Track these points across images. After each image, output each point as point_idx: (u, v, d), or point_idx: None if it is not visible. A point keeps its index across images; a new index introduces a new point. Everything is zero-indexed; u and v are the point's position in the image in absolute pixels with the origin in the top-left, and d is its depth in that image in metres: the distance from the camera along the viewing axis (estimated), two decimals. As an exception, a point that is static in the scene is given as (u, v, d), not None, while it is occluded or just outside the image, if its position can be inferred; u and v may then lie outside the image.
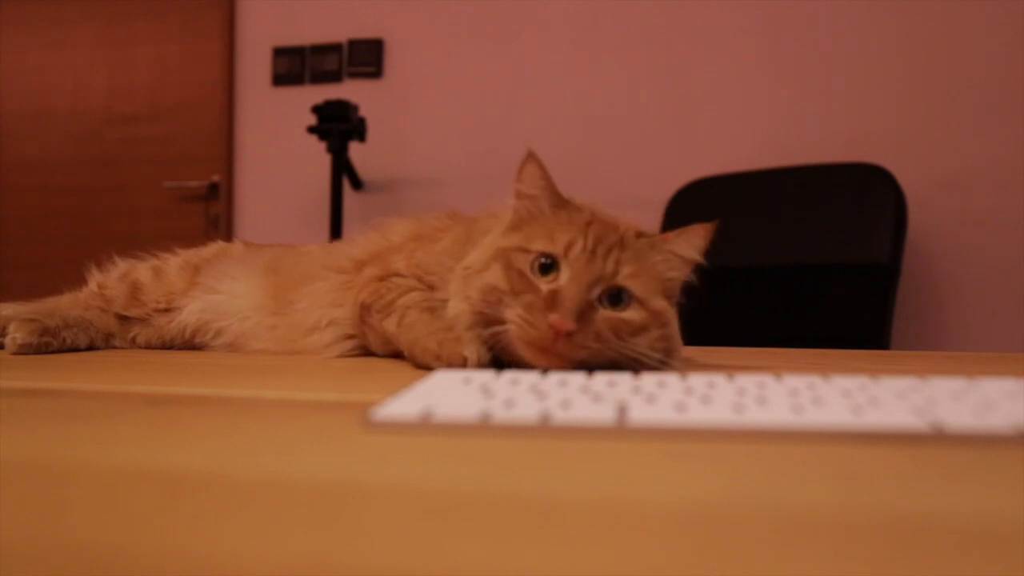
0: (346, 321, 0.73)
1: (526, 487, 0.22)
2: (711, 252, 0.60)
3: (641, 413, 0.31)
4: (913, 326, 1.91)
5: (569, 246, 0.56)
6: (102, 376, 0.52)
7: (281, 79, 2.45)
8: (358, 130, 2.11)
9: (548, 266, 0.56)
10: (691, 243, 0.59)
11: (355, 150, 2.22)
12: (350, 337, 0.73)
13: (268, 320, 0.78)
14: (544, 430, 0.30)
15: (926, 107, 1.93)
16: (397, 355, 0.70)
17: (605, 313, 0.54)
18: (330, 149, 2.10)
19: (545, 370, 0.54)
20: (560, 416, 0.30)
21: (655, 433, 0.29)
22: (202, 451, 0.27)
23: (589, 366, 0.52)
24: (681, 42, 2.13)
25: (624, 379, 0.38)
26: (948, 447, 0.27)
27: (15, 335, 0.68)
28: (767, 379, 0.38)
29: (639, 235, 0.59)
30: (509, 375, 0.39)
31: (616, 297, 0.55)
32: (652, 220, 1.85)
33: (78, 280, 0.89)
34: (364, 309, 0.68)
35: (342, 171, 2.13)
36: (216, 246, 0.92)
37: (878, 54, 1.97)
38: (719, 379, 0.38)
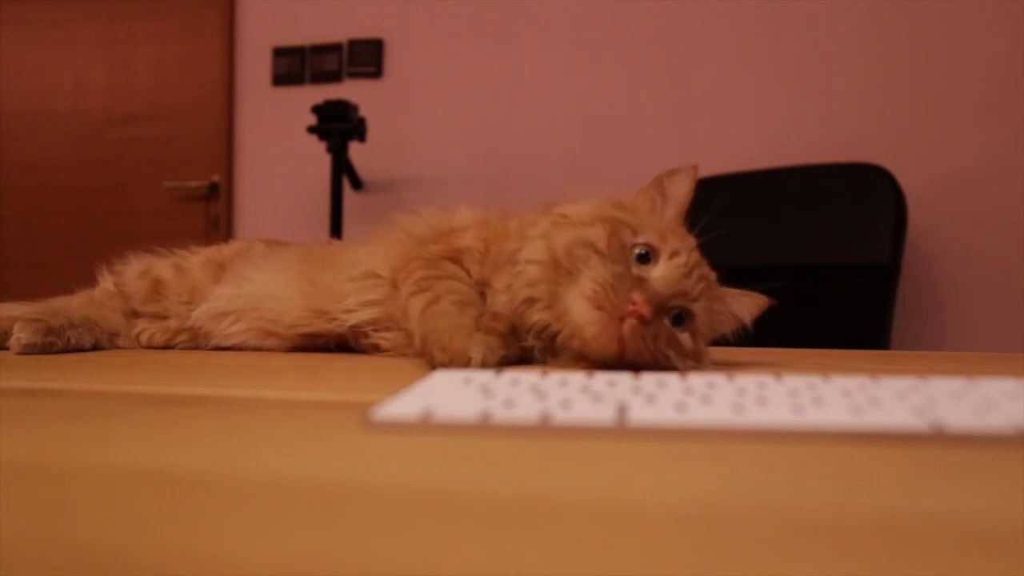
0: (383, 278, 0.71)
1: (526, 487, 0.22)
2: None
3: (641, 413, 0.31)
4: (913, 326, 1.91)
5: (675, 253, 0.57)
6: (102, 376, 0.52)
7: (281, 79, 2.45)
8: (358, 130, 2.11)
9: (645, 257, 0.57)
10: (749, 309, 0.63)
11: (355, 150, 2.22)
12: (377, 303, 0.71)
13: (305, 289, 0.77)
14: (544, 430, 0.30)
15: (926, 107, 1.93)
16: (389, 353, 0.70)
17: (667, 324, 0.56)
18: (330, 149, 2.09)
19: (585, 352, 0.55)
20: (560, 416, 0.30)
21: (655, 433, 0.29)
22: (202, 451, 0.27)
23: (626, 363, 0.53)
24: (681, 42, 2.13)
25: (624, 379, 0.38)
26: (948, 447, 0.27)
27: (19, 335, 0.69)
28: (767, 379, 0.38)
29: (716, 281, 0.62)
30: (509, 375, 0.39)
31: (679, 318, 0.57)
32: (652, 220, 1.84)
33: (78, 280, 0.89)
34: (405, 274, 0.66)
35: (342, 171, 2.13)
36: (237, 244, 0.93)
37: (878, 54, 1.97)
38: (719, 379, 0.38)
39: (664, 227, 0.60)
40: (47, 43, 2.68)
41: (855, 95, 1.98)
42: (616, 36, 2.18)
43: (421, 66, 2.34)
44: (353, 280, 0.74)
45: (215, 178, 2.50)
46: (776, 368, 0.60)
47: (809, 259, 1.68)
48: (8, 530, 0.19)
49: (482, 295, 0.65)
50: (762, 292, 0.65)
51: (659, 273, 0.56)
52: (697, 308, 0.57)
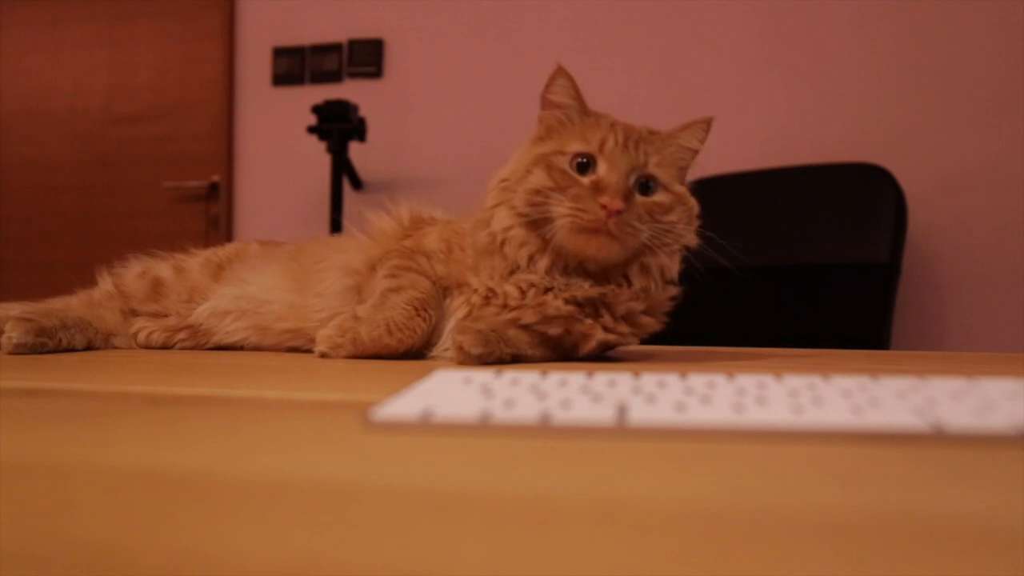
0: (359, 273, 0.74)
1: (526, 487, 0.22)
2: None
3: (641, 413, 0.31)
4: (913, 326, 1.91)
5: (603, 143, 0.64)
6: (102, 376, 0.52)
7: (281, 79, 2.45)
8: (358, 130, 2.11)
9: (585, 164, 0.64)
10: (695, 136, 0.70)
11: (355, 150, 2.22)
12: (352, 290, 0.74)
13: (291, 299, 0.80)
14: (544, 430, 0.30)
15: (926, 107, 1.93)
16: (380, 354, 0.70)
17: (640, 199, 0.63)
18: (330, 149, 2.09)
19: (595, 261, 0.62)
20: (560, 416, 0.30)
21: (655, 433, 0.29)
22: (203, 451, 0.27)
23: (624, 254, 0.61)
24: (681, 42, 2.13)
25: (624, 379, 0.38)
26: (948, 447, 0.27)
27: (11, 334, 0.69)
28: (767, 379, 0.38)
29: (651, 132, 0.69)
30: (509, 375, 0.39)
31: (645, 185, 0.64)
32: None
33: (78, 280, 0.89)
34: (383, 260, 0.71)
35: (342, 171, 2.13)
36: (233, 246, 0.95)
37: (878, 54, 1.97)
38: (719, 379, 0.38)
39: (581, 129, 0.66)
40: (47, 43, 2.68)
41: (855, 95, 1.98)
42: (616, 35, 2.18)
43: (421, 66, 2.34)
44: (320, 296, 0.77)
45: (215, 178, 2.50)
46: (776, 368, 0.60)
47: (809, 259, 1.68)
48: (8, 530, 0.19)
49: (445, 292, 0.70)
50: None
51: (603, 170, 0.62)
52: (652, 167, 0.64)
